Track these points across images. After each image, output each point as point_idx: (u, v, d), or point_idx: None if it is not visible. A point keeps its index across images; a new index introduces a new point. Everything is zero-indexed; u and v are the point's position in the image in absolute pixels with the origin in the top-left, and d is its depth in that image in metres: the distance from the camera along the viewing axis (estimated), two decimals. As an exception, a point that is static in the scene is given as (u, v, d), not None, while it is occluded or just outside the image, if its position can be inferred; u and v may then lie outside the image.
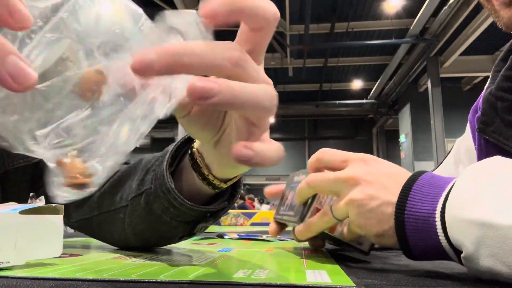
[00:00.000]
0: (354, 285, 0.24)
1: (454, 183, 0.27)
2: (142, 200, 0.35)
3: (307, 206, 0.36)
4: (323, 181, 0.33)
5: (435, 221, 0.27)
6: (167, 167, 0.33)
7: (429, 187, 0.29)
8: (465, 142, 0.52)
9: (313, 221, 0.35)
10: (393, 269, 0.31)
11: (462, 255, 0.25)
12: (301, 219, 0.36)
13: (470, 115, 0.48)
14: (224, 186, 0.32)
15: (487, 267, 0.23)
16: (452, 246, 0.26)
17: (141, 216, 0.35)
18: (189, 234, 0.37)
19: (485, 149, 0.42)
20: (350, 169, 0.33)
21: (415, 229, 0.28)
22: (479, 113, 0.43)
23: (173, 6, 6.35)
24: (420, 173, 0.30)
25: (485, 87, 0.44)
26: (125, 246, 0.42)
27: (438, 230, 0.26)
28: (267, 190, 0.48)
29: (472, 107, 0.47)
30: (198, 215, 0.34)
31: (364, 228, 0.31)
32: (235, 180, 0.33)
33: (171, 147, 0.35)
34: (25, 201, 0.57)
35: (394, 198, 0.29)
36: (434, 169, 0.59)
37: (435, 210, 0.27)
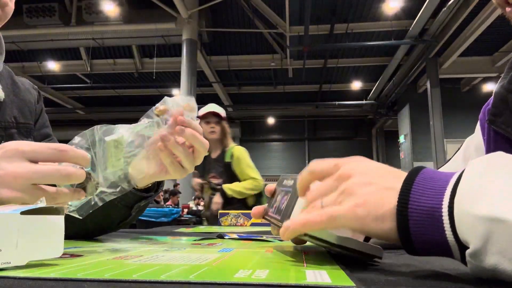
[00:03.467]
0: (354, 285, 0.24)
1: (458, 177, 0.27)
2: None
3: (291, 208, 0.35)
4: (319, 191, 0.32)
5: (441, 216, 0.26)
6: None
7: (432, 181, 0.28)
8: (474, 141, 0.53)
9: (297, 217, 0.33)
10: (393, 269, 0.31)
11: (468, 251, 0.25)
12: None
13: (480, 115, 0.49)
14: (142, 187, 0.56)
15: (492, 265, 0.23)
16: (458, 242, 0.25)
17: (106, 205, 0.53)
18: (127, 217, 0.59)
19: (494, 140, 0.43)
20: (342, 168, 0.32)
21: (419, 223, 0.27)
22: (490, 106, 0.44)
23: (173, 7, 6.36)
24: (420, 168, 0.30)
25: (498, 81, 0.45)
26: (84, 232, 0.58)
27: (445, 225, 0.26)
28: (268, 188, 0.48)
29: (484, 106, 0.48)
30: (135, 199, 0.56)
31: (361, 211, 0.29)
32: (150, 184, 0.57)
33: None
34: None
35: (393, 185, 0.29)
36: (442, 166, 0.59)
37: (441, 204, 0.26)
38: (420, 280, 0.26)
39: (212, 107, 2.16)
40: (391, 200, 0.28)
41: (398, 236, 0.28)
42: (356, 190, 0.30)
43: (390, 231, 0.28)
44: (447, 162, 0.59)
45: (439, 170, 0.55)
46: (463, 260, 0.26)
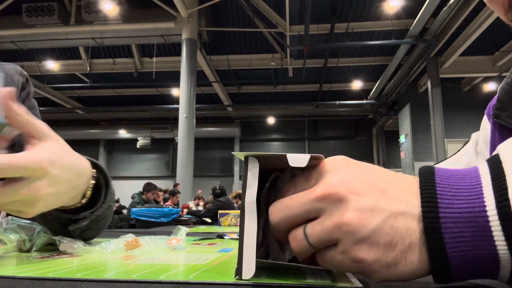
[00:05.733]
0: (354, 284, 0.24)
1: (492, 167, 0.21)
2: None
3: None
4: (289, 213, 0.23)
5: (488, 221, 0.19)
6: None
7: (456, 179, 0.21)
8: (482, 134, 0.54)
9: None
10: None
11: None
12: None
13: (486, 110, 0.51)
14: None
15: None
16: None
17: (42, 219, 0.48)
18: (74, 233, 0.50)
19: (499, 133, 0.45)
20: (325, 179, 0.23)
21: (458, 236, 0.20)
22: (495, 101, 0.45)
23: (173, 6, 6.36)
24: (429, 166, 0.23)
25: (504, 78, 0.47)
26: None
27: (494, 233, 0.19)
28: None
29: (490, 102, 0.50)
30: (67, 220, 0.46)
31: (366, 260, 0.21)
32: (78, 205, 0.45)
33: None
34: None
35: (401, 205, 0.22)
36: (441, 161, 0.60)
37: (484, 206, 0.20)
38: (420, 279, 0.26)
39: None
40: (408, 234, 0.21)
41: (430, 264, 0.21)
42: (360, 228, 0.21)
43: (407, 273, 0.21)
44: (446, 159, 0.60)
45: (439, 165, 0.55)
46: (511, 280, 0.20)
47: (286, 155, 0.25)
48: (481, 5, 5.68)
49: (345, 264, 0.22)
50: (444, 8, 5.72)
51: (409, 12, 6.47)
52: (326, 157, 0.26)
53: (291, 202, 0.24)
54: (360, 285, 0.24)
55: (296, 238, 0.23)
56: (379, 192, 0.22)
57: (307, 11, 5.60)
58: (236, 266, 0.24)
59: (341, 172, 0.23)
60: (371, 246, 0.21)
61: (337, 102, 10.63)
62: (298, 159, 0.24)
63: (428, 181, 0.22)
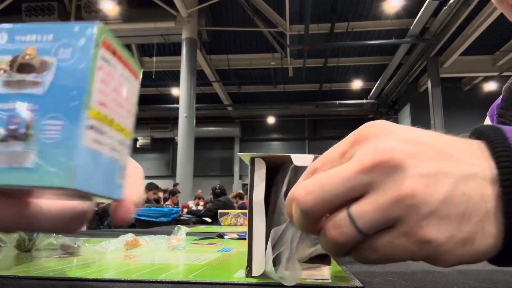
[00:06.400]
0: (354, 285, 0.24)
1: None
2: None
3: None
4: (326, 194, 0.18)
5: None
6: None
7: None
8: None
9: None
10: (392, 269, 0.31)
11: None
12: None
13: (489, 111, 0.51)
14: None
15: None
16: None
17: None
18: None
19: None
20: (369, 146, 0.18)
21: None
22: (499, 101, 0.45)
23: (173, 5, 6.35)
24: (487, 124, 0.20)
25: (510, 78, 0.47)
26: None
27: None
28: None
29: (493, 103, 0.50)
30: None
31: (437, 238, 0.17)
32: None
33: None
34: None
35: (469, 167, 0.17)
36: None
37: None
38: (420, 279, 0.26)
39: None
40: (482, 199, 0.17)
41: (505, 235, 0.17)
42: (427, 198, 0.16)
43: (484, 249, 0.17)
44: None
45: None
46: None
47: (290, 155, 0.27)
48: (481, 5, 5.68)
49: (407, 249, 0.17)
50: (444, 8, 5.72)
51: (409, 11, 6.47)
52: None
53: (328, 180, 0.18)
54: (361, 285, 0.24)
55: (339, 225, 0.18)
56: (440, 154, 0.18)
57: (307, 10, 5.59)
58: (246, 264, 0.26)
59: (389, 135, 0.18)
60: (441, 220, 0.16)
61: (337, 102, 10.63)
62: (302, 159, 0.26)
63: (498, 137, 0.18)
